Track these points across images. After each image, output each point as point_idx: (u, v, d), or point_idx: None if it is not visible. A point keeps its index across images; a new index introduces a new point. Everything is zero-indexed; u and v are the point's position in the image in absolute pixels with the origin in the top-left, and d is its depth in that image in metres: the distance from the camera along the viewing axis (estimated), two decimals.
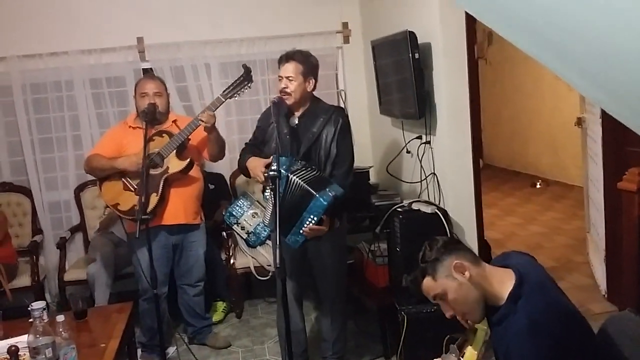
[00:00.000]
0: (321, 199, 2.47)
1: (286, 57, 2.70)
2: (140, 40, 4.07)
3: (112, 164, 3.02)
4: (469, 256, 1.68)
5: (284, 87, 2.66)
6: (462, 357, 1.76)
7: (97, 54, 4.03)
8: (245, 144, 2.93)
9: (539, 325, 1.50)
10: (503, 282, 1.62)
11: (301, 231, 2.53)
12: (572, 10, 0.76)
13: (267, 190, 2.62)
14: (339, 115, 2.73)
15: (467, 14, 2.93)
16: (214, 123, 2.99)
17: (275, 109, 2.63)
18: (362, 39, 4.32)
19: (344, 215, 2.83)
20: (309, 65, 2.70)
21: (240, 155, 2.85)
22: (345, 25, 4.32)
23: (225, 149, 3.25)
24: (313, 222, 2.50)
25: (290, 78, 2.66)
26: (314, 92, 2.77)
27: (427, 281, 1.67)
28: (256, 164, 2.66)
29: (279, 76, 2.70)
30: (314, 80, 2.73)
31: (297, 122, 2.73)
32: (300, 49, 2.77)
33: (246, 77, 2.95)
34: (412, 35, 2.95)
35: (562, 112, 6.08)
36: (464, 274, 1.62)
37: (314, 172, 2.58)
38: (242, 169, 2.82)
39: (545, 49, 0.92)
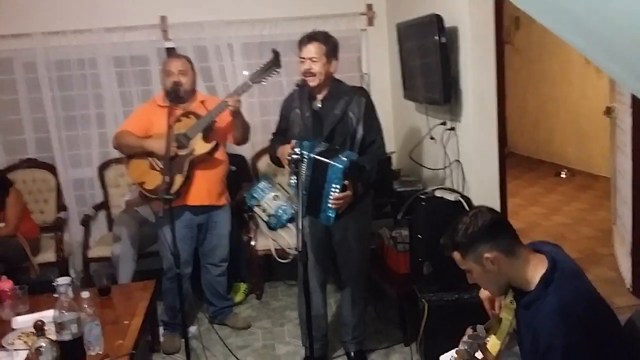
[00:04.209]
0: (336, 164, 2.43)
1: (308, 38, 2.65)
2: (163, 19, 4.05)
3: (141, 143, 3.04)
4: (505, 245, 1.62)
5: (308, 69, 2.62)
6: (486, 344, 1.75)
7: (121, 32, 4.01)
8: (273, 134, 2.91)
9: (570, 310, 1.50)
10: (535, 268, 1.61)
11: (330, 205, 2.49)
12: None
13: (292, 177, 2.55)
14: (362, 95, 2.69)
15: None
16: (239, 107, 2.98)
17: (300, 91, 2.60)
18: (386, 22, 4.25)
19: (369, 197, 2.79)
20: (331, 45, 2.66)
21: (270, 149, 2.85)
22: (369, 7, 4.25)
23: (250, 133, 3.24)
24: (337, 190, 2.46)
25: (314, 59, 2.62)
26: (334, 75, 2.73)
27: (457, 255, 1.68)
28: (284, 151, 2.60)
29: (301, 58, 2.65)
30: (336, 62, 2.69)
31: (319, 105, 2.70)
32: (323, 30, 2.72)
33: (275, 61, 2.91)
34: (439, 19, 2.89)
35: (590, 100, 5.93)
36: (492, 265, 1.61)
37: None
38: (275, 160, 2.81)
39: (590, 43, 0.89)
